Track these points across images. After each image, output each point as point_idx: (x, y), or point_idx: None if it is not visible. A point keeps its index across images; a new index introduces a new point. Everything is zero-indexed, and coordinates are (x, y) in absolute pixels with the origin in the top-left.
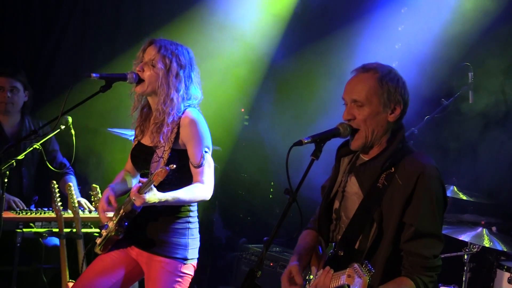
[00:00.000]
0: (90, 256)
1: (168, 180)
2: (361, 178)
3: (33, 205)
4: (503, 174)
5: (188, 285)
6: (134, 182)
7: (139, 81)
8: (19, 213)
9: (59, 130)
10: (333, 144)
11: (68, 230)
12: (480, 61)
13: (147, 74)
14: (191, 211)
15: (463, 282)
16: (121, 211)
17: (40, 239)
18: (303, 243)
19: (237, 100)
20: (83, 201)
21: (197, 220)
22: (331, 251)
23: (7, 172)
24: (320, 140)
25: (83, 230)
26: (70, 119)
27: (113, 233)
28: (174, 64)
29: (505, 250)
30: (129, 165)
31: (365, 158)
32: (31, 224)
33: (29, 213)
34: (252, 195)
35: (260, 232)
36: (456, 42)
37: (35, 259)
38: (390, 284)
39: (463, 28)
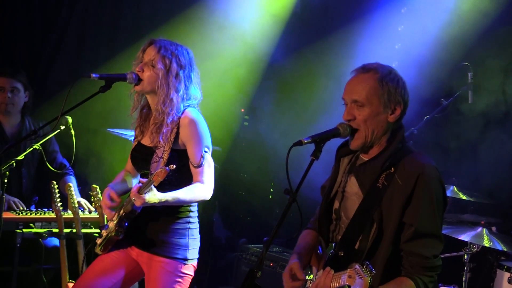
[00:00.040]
0: (90, 257)
1: (168, 180)
2: (361, 178)
3: (33, 206)
4: (504, 174)
5: (188, 285)
6: (135, 182)
7: (139, 81)
8: (19, 214)
9: (59, 130)
10: (334, 144)
11: (68, 230)
12: (480, 61)
13: (147, 74)
14: (191, 211)
15: (463, 282)
16: (121, 211)
17: (40, 239)
18: (303, 243)
19: (237, 100)
20: (83, 201)
21: (198, 220)
22: (331, 251)
23: (7, 173)
24: (320, 140)
25: (83, 230)
26: (70, 120)
27: (113, 234)
28: (174, 65)
29: (505, 250)
30: (129, 165)
31: (364, 158)
32: (31, 224)
33: (29, 214)
34: (252, 195)
35: (260, 232)
36: (456, 42)
37: (35, 260)
38: (390, 284)
39: (463, 28)
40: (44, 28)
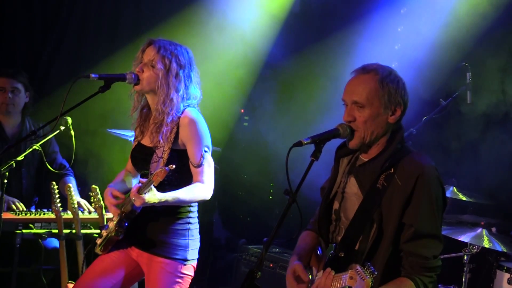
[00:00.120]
0: (90, 257)
1: (168, 180)
2: (361, 178)
3: (33, 206)
4: (504, 174)
5: (188, 286)
6: (135, 182)
7: (138, 81)
8: (18, 214)
9: (58, 131)
10: (335, 144)
11: (67, 231)
12: (479, 61)
13: (146, 74)
14: (191, 211)
15: (463, 283)
16: (121, 211)
17: (40, 240)
18: (303, 244)
19: (236, 101)
20: (83, 202)
21: (197, 221)
22: (332, 252)
23: (7, 173)
24: (319, 141)
25: (83, 231)
26: (69, 120)
27: (113, 234)
28: (174, 64)
29: (505, 251)
30: (129, 165)
31: (364, 158)
32: (30, 225)
33: (28, 214)
34: (252, 196)
35: (260, 233)
36: (455, 42)
37: (35, 260)
38: (390, 285)
39: (462, 29)
40: (44, 28)
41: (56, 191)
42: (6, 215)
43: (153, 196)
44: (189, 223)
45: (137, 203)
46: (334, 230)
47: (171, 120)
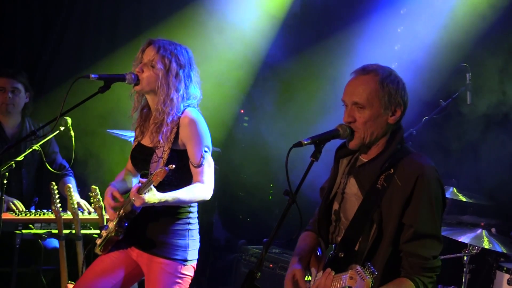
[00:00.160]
0: (90, 257)
1: (168, 181)
2: (360, 179)
3: (33, 207)
4: (504, 174)
5: (188, 286)
6: (135, 182)
7: (138, 81)
8: (18, 214)
9: (58, 131)
10: (335, 145)
11: (67, 231)
12: (480, 62)
13: (146, 75)
14: (191, 212)
15: (463, 284)
16: (121, 211)
17: (40, 240)
18: (302, 244)
19: (236, 101)
20: (83, 202)
21: (197, 221)
22: (331, 252)
23: (6, 174)
24: (319, 141)
25: (82, 231)
26: (69, 121)
27: (113, 234)
28: (174, 64)
29: (505, 251)
30: (130, 165)
31: (364, 159)
32: (30, 225)
33: (28, 214)
34: (252, 197)
35: (260, 233)
36: (455, 43)
37: (35, 261)
38: (390, 285)
39: (462, 29)
40: (44, 28)
41: (56, 191)
42: (6, 216)
43: (153, 196)
44: (189, 223)
45: (137, 203)
46: (334, 230)
47: (172, 120)
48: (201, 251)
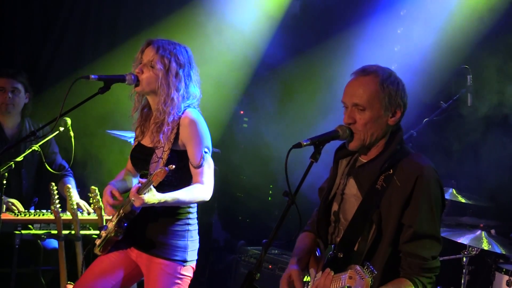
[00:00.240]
0: (89, 258)
1: (168, 181)
2: (360, 180)
3: (32, 207)
4: (504, 176)
5: (187, 287)
6: (135, 182)
7: (138, 82)
8: (17, 215)
9: (58, 132)
10: (336, 145)
11: (66, 232)
12: (480, 64)
13: (146, 75)
14: (191, 212)
15: (462, 285)
16: (121, 211)
17: (39, 241)
18: (301, 245)
19: (236, 102)
20: (82, 203)
21: (197, 222)
22: (330, 253)
23: (6, 174)
24: (319, 142)
25: (82, 232)
26: (69, 121)
27: (112, 234)
28: (173, 64)
29: (504, 253)
30: (129, 165)
31: (363, 160)
32: (29, 226)
33: (27, 215)
34: (251, 197)
35: (259, 234)
36: (455, 44)
37: (34, 261)
38: (389, 286)
39: (463, 31)
40: (44, 28)
41: (56, 192)
42: (5, 216)
43: (153, 196)
44: (189, 224)
45: (137, 204)
46: (333, 231)
47: (172, 119)
48: (200, 252)
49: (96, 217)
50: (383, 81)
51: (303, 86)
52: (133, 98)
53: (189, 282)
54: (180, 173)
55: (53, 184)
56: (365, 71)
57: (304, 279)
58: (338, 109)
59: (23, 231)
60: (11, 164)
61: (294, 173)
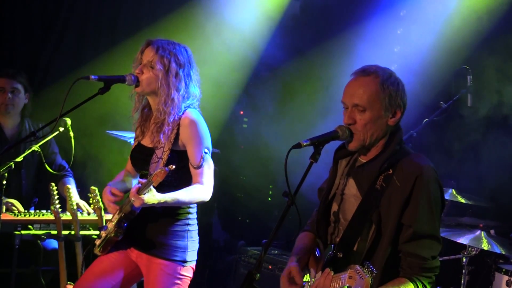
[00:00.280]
0: (89, 258)
1: (168, 181)
2: (359, 180)
3: (32, 207)
4: (505, 176)
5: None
6: (134, 183)
7: (138, 83)
8: (17, 215)
9: (57, 132)
10: (336, 145)
11: (66, 232)
12: (480, 64)
13: (146, 76)
14: (190, 213)
15: (462, 285)
16: (121, 212)
17: (39, 241)
18: (301, 244)
19: (235, 102)
20: (82, 203)
21: (197, 222)
22: (330, 253)
23: (6, 174)
24: (318, 143)
25: (82, 232)
26: (69, 122)
27: (112, 234)
28: (173, 64)
29: (503, 253)
30: (129, 165)
31: (363, 160)
32: (29, 226)
33: (27, 215)
34: (251, 198)
35: (259, 234)
36: (455, 45)
37: (34, 261)
38: (389, 285)
39: (463, 31)
40: (44, 28)
41: (55, 192)
42: (5, 216)
43: (153, 196)
44: (188, 224)
45: (137, 204)
46: (332, 231)
47: (173, 120)
48: (200, 252)
49: (96, 218)
50: (384, 81)
51: (303, 87)
52: (134, 98)
53: (189, 282)
54: (180, 174)
55: (53, 184)
56: (366, 72)
57: (304, 279)
58: (338, 110)
59: (23, 232)
60: (11, 165)
61: (294, 173)
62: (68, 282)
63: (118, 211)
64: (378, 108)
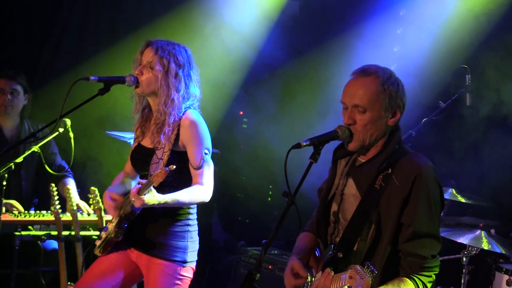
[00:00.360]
0: (89, 259)
1: (168, 182)
2: (359, 179)
3: (32, 208)
4: (505, 176)
5: None
6: (133, 184)
7: (138, 84)
8: (17, 216)
9: (57, 133)
10: (336, 145)
11: (66, 233)
12: (480, 63)
13: (146, 76)
14: (191, 213)
15: (462, 285)
16: (121, 212)
17: (39, 242)
18: (301, 245)
19: (235, 103)
20: (82, 204)
21: (197, 222)
22: (330, 253)
23: (6, 175)
24: (318, 143)
25: (82, 233)
26: (68, 122)
27: (112, 235)
28: (173, 65)
29: (504, 252)
30: (128, 166)
31: (362, 160)
32: (29, 227)
33: (27, 216)
34: (251, 198)
35: (259, 235)
36: (454, 44)
37: (34, 262)
38: (389, 285)
39: (462, 31)
40: (44, 29)
41: (55, 193)
42: (5, 217)
43: (153, 197)
44: (188, 225)
45: (137, 204)
46: (332, 232)
47: (173, 120)
48: (200, 253)
49: (96, 218)
50: (384, 82)
51: (303, 87)
52: (134, 99)
53: (189, 283)
54: (180, 174)
55: (53, 185)
56: (366, 72)
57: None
58: (338, 110)
59: (23, 232)
60: (11, 166)
61: (294, 173)
62: (68, 283)
63: (118, 212)
64: (378, 109)
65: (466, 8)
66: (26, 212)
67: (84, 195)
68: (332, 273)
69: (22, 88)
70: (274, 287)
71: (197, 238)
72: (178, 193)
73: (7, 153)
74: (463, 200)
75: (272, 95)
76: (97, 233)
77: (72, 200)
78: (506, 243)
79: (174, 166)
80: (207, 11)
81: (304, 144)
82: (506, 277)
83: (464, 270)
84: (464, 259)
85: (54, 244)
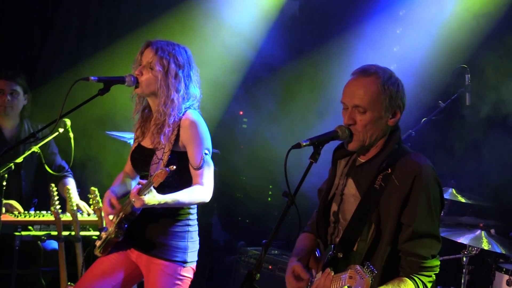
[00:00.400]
0: (89, 259)
1: (168, 182)
2: (358, 179)
3: (32, 208)
4: (506, 175)
5: None
6: (133, 184)
7: (138, 84)
8: (17, 216)
9: (57, 133)
10: (335, 145)
11: (66, 233)
12: (480, 63)
13: (145, 77)
14: (191, 214)
15: (462, 285)
16: (121, 213)
17: (39, 242)
18: (301, 245)
19: (235, 103)
20: (82, 204)
21: (197, 223)
22: (330, 253)
23: (6, 175)
24: (318, 143)
25: (82, 233)
26: (68, 122)
27: (112, 235)
28: (172, 65)
29: (504, 252)
30: (128, 167)
31: (362, 160)
32: (29, 227)
33: (27, 216)
34: (251, 198)
35: (259, 235)
36: (454, 44)
37: (34, 262)
38: (389, 285)
39: (462, 30)
40: (43, 29)
41: (55, 193)
42: (5, 217)
43: (153, 197)
44: (189, 225)
45: (137, 205)
46: (332, 232)
47: (173, 121)
48: (200, 253)
49: (96, 218)
50: (384, 82)
51: (303, 87)
52: (134, 99)
53: (189, 283)
54: (180, 175)
55: (53, 185)
56: (366, 72)
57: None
58: (337, 110)
59: (23, 232)
60: (11, 166)
61: (294, 173)
62: (69, 283)
63: (118, 212)
64: (379, 109)
65: (465, 8)
66: (26, 212)
67: (84, 195)
68: (332, 273)
69: (21, 88)
70: (274, 287)
71: (197, 238)
72: (178, 194)
73: (7, 153)
74: (463, 200)
75: (272, 95)
76: (97, 233)
77: (72, 200)
78: (506, 243)
79: (174, 167)
80: (207, 11)
81: (304, 144)
82: (506, 277)
83: (464, 270)
84: (464, 259)
85: (54, 244)
